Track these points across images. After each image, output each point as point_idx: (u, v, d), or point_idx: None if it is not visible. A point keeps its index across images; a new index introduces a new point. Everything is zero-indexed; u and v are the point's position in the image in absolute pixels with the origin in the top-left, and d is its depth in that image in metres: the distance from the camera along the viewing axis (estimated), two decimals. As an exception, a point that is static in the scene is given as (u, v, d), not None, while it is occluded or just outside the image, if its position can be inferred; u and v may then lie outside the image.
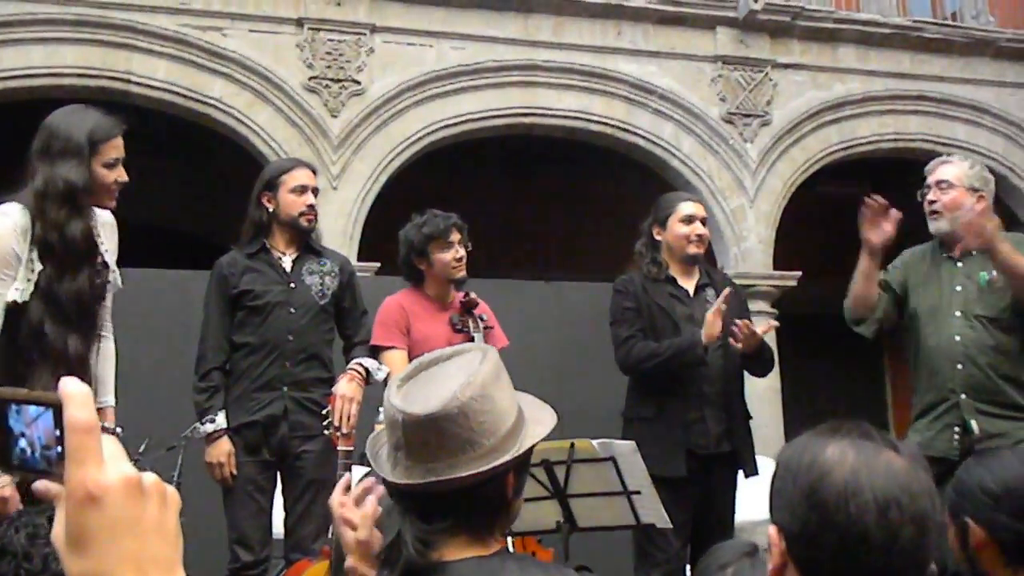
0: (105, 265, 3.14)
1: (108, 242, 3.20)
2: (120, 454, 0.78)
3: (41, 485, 0.77)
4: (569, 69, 8.85)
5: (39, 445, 0.78)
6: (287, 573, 3.66)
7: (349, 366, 3.81)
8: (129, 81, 8.00)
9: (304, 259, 3.98)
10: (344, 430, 3.45)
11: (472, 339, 4.08)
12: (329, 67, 8.31)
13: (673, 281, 4.16)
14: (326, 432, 3.52)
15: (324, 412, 3.56)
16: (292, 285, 3.90)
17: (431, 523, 1.56)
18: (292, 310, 3.86)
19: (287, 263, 3.94)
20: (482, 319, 4.15)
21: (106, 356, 3.23)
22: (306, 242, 4.00)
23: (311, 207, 3.94)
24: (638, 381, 4.14)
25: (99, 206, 3.11)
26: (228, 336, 3.86)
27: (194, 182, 10.04)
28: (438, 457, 1.56)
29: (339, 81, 8.32)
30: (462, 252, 4.17)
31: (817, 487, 1.26)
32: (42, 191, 2.93)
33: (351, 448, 3.39)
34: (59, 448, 0.77)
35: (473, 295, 4.20)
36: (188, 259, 6.91)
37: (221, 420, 3.76)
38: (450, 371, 1.65)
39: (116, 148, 3.10)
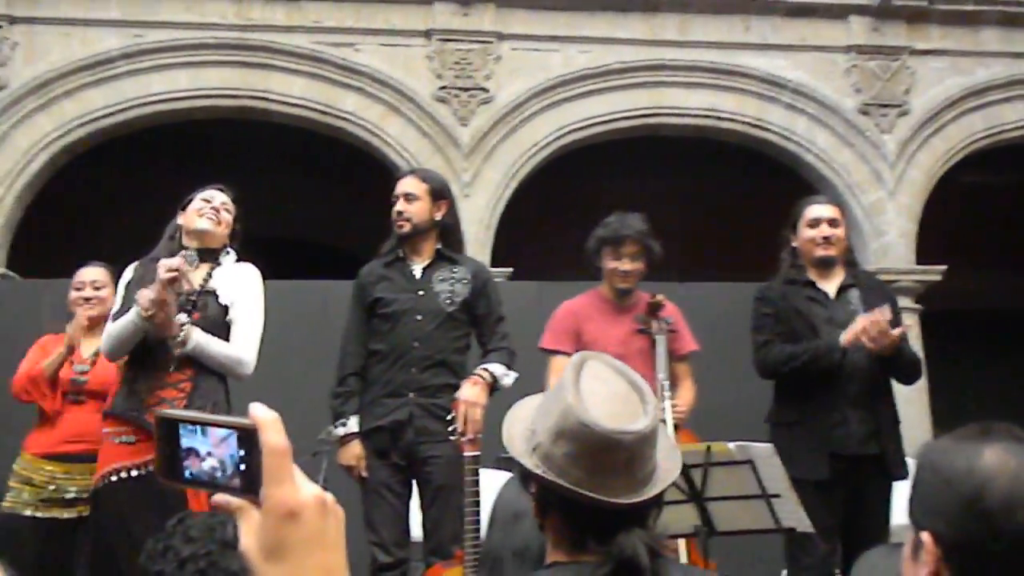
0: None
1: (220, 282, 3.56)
2: (302, 474, 0.86)
3: (221, 499, 0.85)
4: (696, 67, 8.75)
5: (228, 463, 0.85)
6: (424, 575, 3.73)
7: (475, 371, 3.85)
8: (267, 99, 8.31)
9: (436, 266, 4.03)
10: (469, 435, 3.49)
11: (654, 341, 4.13)
12: (458, 76, 8.44)
13: (812, 284, 4.11)
14: (452, 438, 3.57)
15: (449, 418, 3.62)
16: (420, 292, 3.97)
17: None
18: (419, 317, 3.93)
19: (418, 271, 4.02)
20: (667, 322, 4.18)
21: None
22: (439, 250, 4.05)
23: (400, 213, 4.01)
24: (781, 386, 4.12)
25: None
26: (364, 343, 3.97)
27: (332, 196, 10.34)
28: (640, 472, 1.59)
29: (468, 90, 8.45)
30: (629, 267, 4.25)
31: (980, 495, 1.22)
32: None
33: (478, 453, 3.43)
34: (241, 467, 0.85)
35: (661, 297, 4.26)
36: (328, 270, 7.13)
37: (352, 424, 3.87)
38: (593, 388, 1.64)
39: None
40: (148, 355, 3.34)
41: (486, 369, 3.83)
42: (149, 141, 8.50)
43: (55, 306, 4.79)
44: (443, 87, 8.41)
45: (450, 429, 3.59)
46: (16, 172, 8.02)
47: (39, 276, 6.86)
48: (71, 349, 4.24)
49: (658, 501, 1.62)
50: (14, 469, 4.24)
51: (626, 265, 4.21)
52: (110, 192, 9.81)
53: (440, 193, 4.08)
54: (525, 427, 1.66)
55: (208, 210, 3.62)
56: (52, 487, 4.13)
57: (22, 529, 4.08)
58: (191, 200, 3.64)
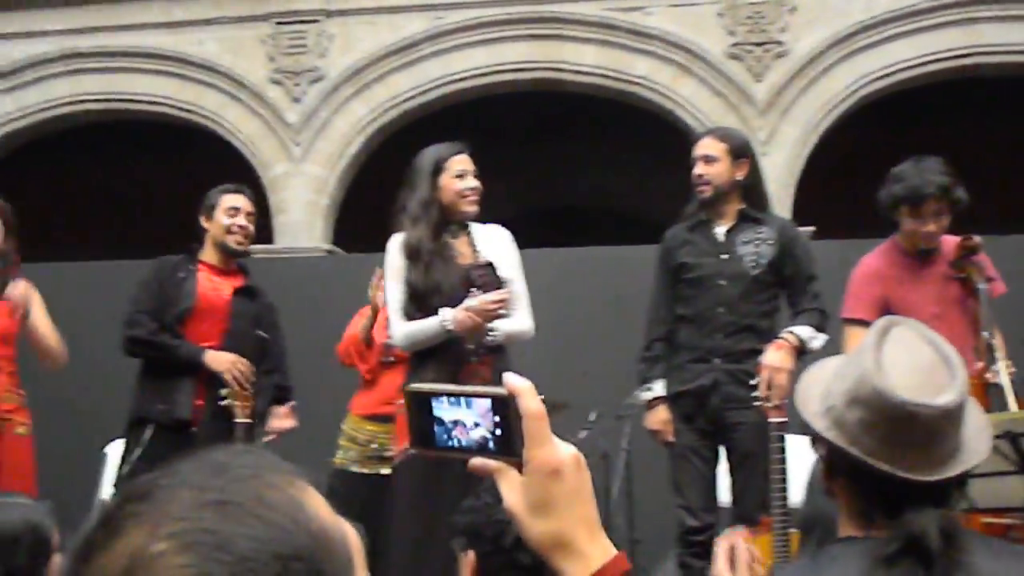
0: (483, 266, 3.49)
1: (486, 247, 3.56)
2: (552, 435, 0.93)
3: (478, 462, 0.93)
4: (1019, -1, 7.98)
5: (483, 429, 0.93)
6: (733, 541, 3.69)
7: (780, 334, 3.72)
8: (561, 70, 8.47)
9: (740, 228, 3.91)
10: (774, 401, 3.39)
11: (975, 291, 3.59)
12: (751, 31, 8.20)
13: None
14: (755, 404, 3.48)
15: (752, 383, 3.53)
16: (724, 256, 3.88)
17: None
18: (723, 282, 3.85)
19: (721, 234, 3.93)
20: (982, 267, 3.66)
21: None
22: (742, 211, 3.93)
23: (700, 177, 3.85)
24: None
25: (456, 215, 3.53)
26: (670, 307, 3.95)
27: (626, 162, 10.39)
28: (939, 449, 1.50)
29: (762, 44, 8.19)
30: (932, 227, 3.71)
31: None
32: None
33: (784, 419, 3.33)
34: (498, 432, 0.92)
35: (977, 239, 3.66)
36: (624, 237, 7.19)
37: (658, 389, 3.88)
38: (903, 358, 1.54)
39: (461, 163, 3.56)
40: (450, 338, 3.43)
41: (792, 332, 3.70)
42: (454, 121, 8.93)
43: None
44: (736, 43, 8.20)
45: (753, 395, 3.50)
46: (337, 155, 8.70)
47: (361, 251, 7.39)
48: (375, 311, 4.52)
49: (960, 481, 1.51)
50: (342, 429, 4.62)
51: (929, 226, 3.70)
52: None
53: (740, 151, 3.93)
54: (821, 388, 1.60)
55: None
56: (374, 445, 4.47)
57: (350, 484, 4.44)
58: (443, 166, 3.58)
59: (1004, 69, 8.16)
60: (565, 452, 0.92)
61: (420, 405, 0.96)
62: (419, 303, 3.43)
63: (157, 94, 8.99)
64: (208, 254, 4.02)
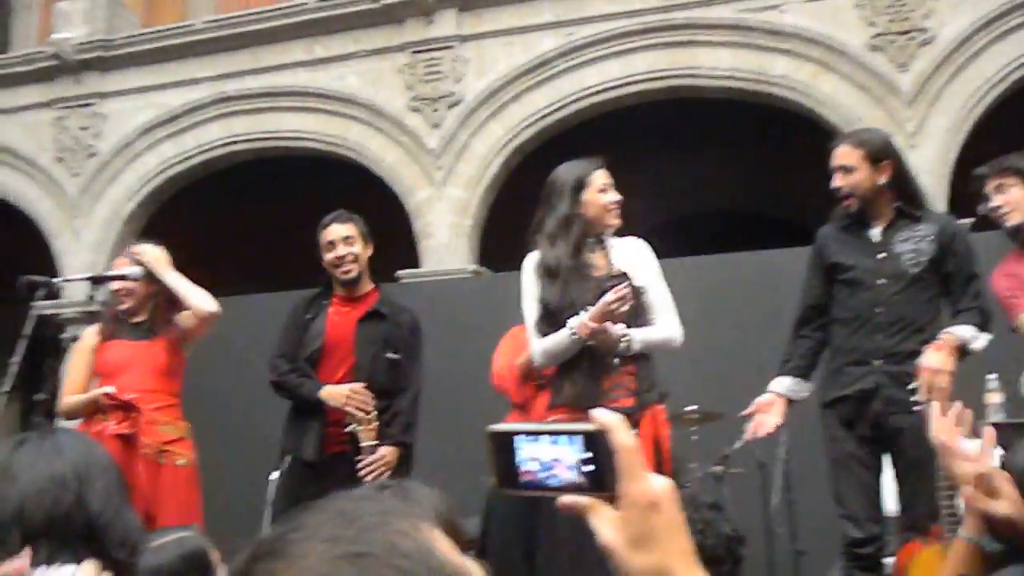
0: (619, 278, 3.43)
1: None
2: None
3: (568, 500, 0.92)
4: None
5: (572, 466, 0.92)
6: (900, 553, 3.55)
7: (940, 334, 3.56)
8: (696, 75, 8.38)
9: (897, 227, 3.77)
10: (935, 405, 3.24)
11: None
12: (892, 20, 7.92)
13: None
14: (917, 407, 3.33)
15: (911, 387, 3.38)
16: (881, 255, 3.74)
17: None
18: (881, 281, 3.71)
19: (876, 233, 3.79)
20: None
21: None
22: (898, 208, 3.78)
23: (839, 189, 3.76)
24: None
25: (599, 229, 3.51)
26: (819, 309, 3.84)
27: (767, 165, 10.18)
28: None
29: (905, 33, 7.90)
30: (998, 200, 3.67)
31: None
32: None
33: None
34: (588, 468, 0.92)
35: None
36: (770, 240, 7.04)
37: (774, 384, 3.78)
38: None
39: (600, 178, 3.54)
40: (588, 350, 3.40)
41: (951, 332, 3.53)
42: (589, 135, 8.94)
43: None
44: (877, 34, 7.94)
45: (912, 399, 3.35)
46: (478, 177, 8.83)
47: (506, 270, 7.48)
48: None
49: None
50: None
51: (1000, 198, 3.64)
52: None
53: (879, 155, 3.76)
54: None
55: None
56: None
57: (506, 507, 4.45)
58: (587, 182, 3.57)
59: None
60: (660, 484, 0.92)
61: (502, 445, 0.95)
62: (553, 321, 3.42)
63: (302, 130, 9.34)
64: (337, 286, 4.16)
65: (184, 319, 4.19)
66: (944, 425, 1.70)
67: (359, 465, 3.81)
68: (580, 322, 3.31)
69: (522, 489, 0.95)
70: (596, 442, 0.91)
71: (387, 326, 4.12)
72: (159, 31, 9.79)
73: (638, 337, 3.39)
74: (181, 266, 4.33)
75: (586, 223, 3.51)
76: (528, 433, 0.94)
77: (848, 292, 3.75)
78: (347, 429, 3.85)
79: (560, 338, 3.38)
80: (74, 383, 4.15)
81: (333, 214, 4.22)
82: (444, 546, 0.68)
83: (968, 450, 1.70)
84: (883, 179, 3.72)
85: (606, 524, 0.91)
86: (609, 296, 3.27)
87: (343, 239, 4.10)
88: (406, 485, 0.75)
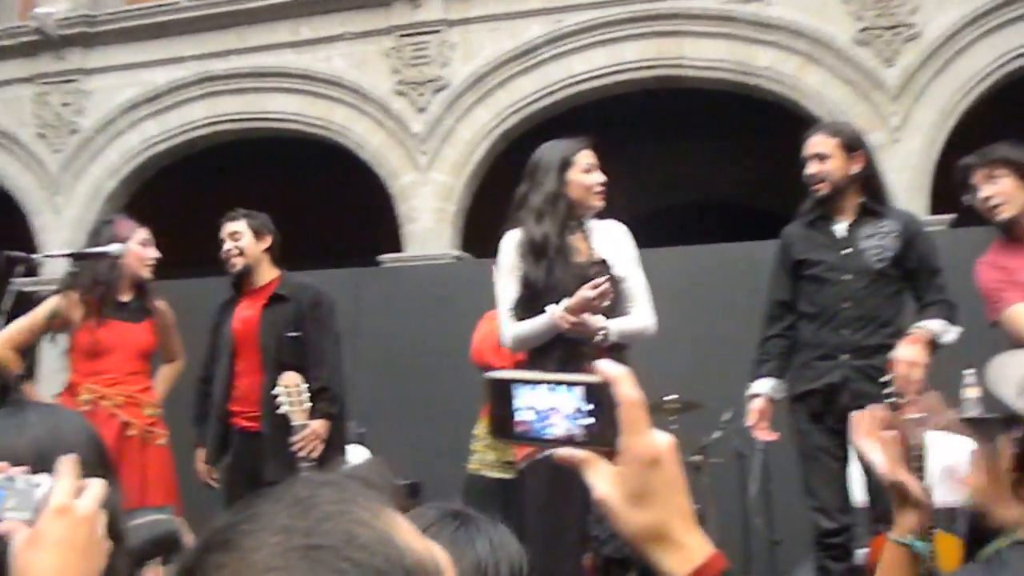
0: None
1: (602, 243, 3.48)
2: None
3: (565, 452, 0.89)
4: None
5: (572, 418, 0.89)
6: (871, 543, 3.59)
7: (911, 328, 3.60)
8: (682, 66, 8.38)
9: (862, 222, 3.81)
10: (909, 397, 3.27)
11: None
12: (879, 15, 7.94)
13: None
14: (887, 400, 3.36)
15: (883, 380, 3.41)
16: (847, 251, 3.78)
17: None
18: (847, 276, 3.75)
19: (841, 229, 3.83)
20: None
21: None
22: (863, 204, 3.82)
23: (813, 176, 3.78)
24: None
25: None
26: (787, 305, 3.86)
27: (753, 156, 10.20)
28: None
29: (892, 28, 7.92)
30: (987, 191, 3.61)
31: None
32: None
33: (921, 415, 3.21)
34: (589, 420, 0.88)
35: None
36: (758, 232, 7.05)
37: (758, 386, 3.80)
38: None
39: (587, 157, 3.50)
40: (561, 338, 3.35)
41: (924, 326, 3.57)
42: (575, 122, 8.93)
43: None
44: (864, 28, 7.96)
45: (885, 392, 3.38)
46: (463, 162, 8.81)
47: (489, 256, 7.48)
48: None
49: None
50: (475, 434, 4.67)
51: (987, 190, 3.61)
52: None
53: (853, 144, 3.82)
54: (1018, 372, 1.51)
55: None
56: (513, 448, 4.49)
57: (487, 489, 4.48)
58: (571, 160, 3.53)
59: None
60: (663, 440, 0.88)
61: (500, 393, 0.91)
62: (534, 302, 3.35)
63: (288, 111, 9.29)
64: (243, 285, 4.36)
65: (165, 308, 4.29)
66: (863, 431, 1.73)
67: (292, 441, 3.88)
68: (559, 312, 3.25)
69: (517, 439, 0.93)
70: (599, 394, 0.88)
71: (289, 307, 4.22)
72: (144, 8, 9.70)
73: (615, 328, 3.35)
74: (163, 246, 4.35)
75: (570, 203, 3.46)
76: (527, 382, 0.91)
77: (814, 288, 3.79)
78: (279, 411, 3.90)
79: (536, 324, 3.32)
80: (15, 333, 4.07)
81: (228, 214, 4.43)
82: (406, 533, 0.65)
83: (877, 463, 1.74)
84: (856, 168, 3.79)
85: (603, 479, 0.88)
86: (589, 292, 3.22)
87: (230, 235, 4.32)
88: (368, 468, 0.71)
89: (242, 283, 4.35)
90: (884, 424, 1.78)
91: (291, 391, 3.87)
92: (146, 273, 4.23)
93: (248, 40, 9.34)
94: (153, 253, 4.27)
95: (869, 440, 1.76)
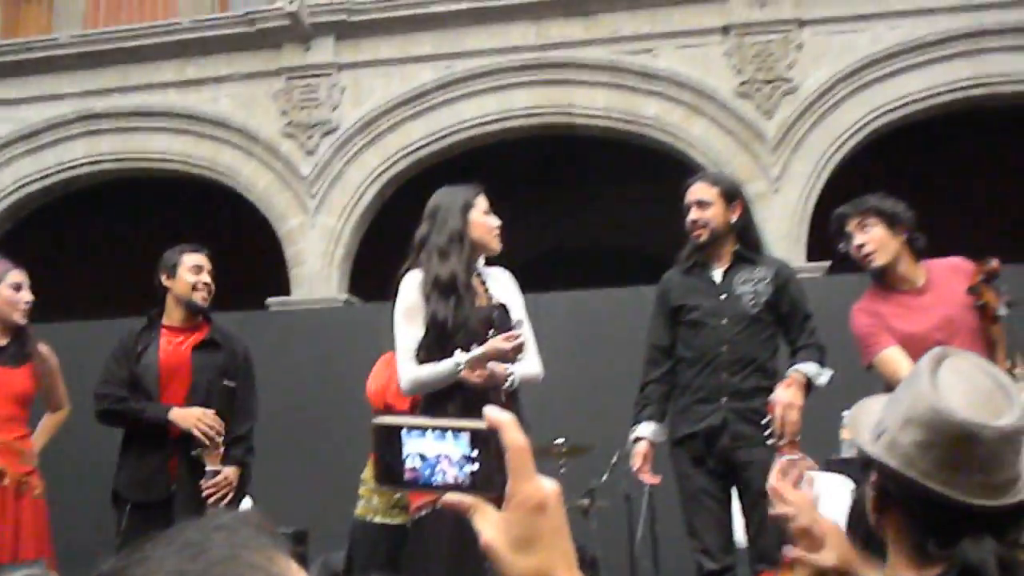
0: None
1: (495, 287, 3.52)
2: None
3: (452, 498, 0.90)
4: (1025, 28, 8.01)
5: (458, 464, 0.89)
6: (756, 583, 3.65)
7: (788, 371, 3.71)
8: (571, 114, 8.53)
9: (736, 269, 3.94)
10: (787, 439, 3.36)
11: (996, 318, 3.51)
12: (759, 69, 8.25)
13: None
14: (768, 442, 3.45)
15: (763, 422, 3.49)
16: (723, 296, 3.89)
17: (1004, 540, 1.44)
18: (724, 321, 3.86)
19: (718, 275, 3.95)
20: (1004, 290, 3.56)
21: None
22: (737, 252, 3.95)
23: (694, 222, 3.86)
24: None
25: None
26: (666, 350, 3.94)
27: (640, 202, 10.42)
28: (999, 476, 1.43)
29: (771, 82, 8.23)
30: (860, 239, 3.77)
31: None
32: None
33: (797, 456, 3.30)
34: (474, 467, 0.89)
35: (994, 262, 3.57)
36: (643, 276, 7.18)
37: (640, 430, 3.86)
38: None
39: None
40: (459, 383, 3.32)
41: (799, 369, 3.69)
42: (465, 167, 8.99)
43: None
44: (744, 82, 8.25)
45: (766, 433, 3.47)
46: (351, 206, 8.76)
47: (378, 300, 7.42)
48: None
49: (1019, 512, 1.43)
50: (363, 479, 4.59)
51: (860, 238, 3.73)
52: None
53: (733, 194, 3.96)
54: (874, 418, 1.54)
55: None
56: (398, 495, 4.42)
57: (373, 536, 4.41)
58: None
59: (1010, 98, 8.17)
60: (548, 486, 0.89)
61: (388, 439, 0.91)
62: (441, 342, 3.30)
63: (172, 152, 9.10)
64: (170, 314, 4.13)
65: (47, 352, 4.09)
66: (780, 474, 1.76)
67: (202, 485, 3.79)
68: (469, 360, 3.23)
69: (405, 486, 0.92)
70: (485, 440, 0.88)
71: (223, 355, 4.12)
72: (21, 43, 9.41)
73: (519, 374, 3.36)
74: (38, 286, 4.17)
75: (473, 243, 3.46)
76: (415, 428, 0.91)
77: (693, 332, 3.87)
78: (193, 453, 3.81)
79: (439, 369, 3.28)
80: None
81: (191, 245, 4.26)
82: None
83: (793, 501, 1.75)
84: (734, 217, 3.91)
85: (489, 524, 0.88)
86: (503, 344, 3.23)
87: (209, 271, 4.19)
88: (256, 514, 0.70)
89: (157, 316, 4.19)
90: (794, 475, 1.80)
91: (210, 435, 3.81)
92: (18, 318, 4.04)
93: (131, 79, 9.14)
94: (26, 297, 4.08)
95: (786, 484, 1.78)
